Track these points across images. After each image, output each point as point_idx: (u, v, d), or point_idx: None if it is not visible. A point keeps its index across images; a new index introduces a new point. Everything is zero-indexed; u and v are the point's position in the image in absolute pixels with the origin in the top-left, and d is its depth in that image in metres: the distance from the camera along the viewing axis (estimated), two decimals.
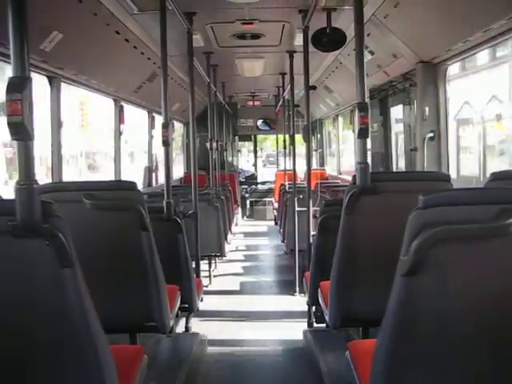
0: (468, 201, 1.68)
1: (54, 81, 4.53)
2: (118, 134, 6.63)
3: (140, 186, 7.89)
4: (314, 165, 12.26)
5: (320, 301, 3.56)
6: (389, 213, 2.68)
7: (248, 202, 13.86)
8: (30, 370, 1.79)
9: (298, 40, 5.73)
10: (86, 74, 4.97)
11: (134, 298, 2.88)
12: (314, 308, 4.38)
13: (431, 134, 4.89)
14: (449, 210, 1.67)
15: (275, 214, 10.87)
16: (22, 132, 1.61)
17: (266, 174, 16.37)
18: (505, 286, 1.71)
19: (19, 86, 1.59)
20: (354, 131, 9.08)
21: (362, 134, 2.85)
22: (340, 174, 10.55)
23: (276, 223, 10.31)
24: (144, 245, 2.77)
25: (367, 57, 5.81)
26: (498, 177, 2.51)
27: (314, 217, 4.73)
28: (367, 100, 5.44)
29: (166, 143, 3.97)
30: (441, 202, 1.68)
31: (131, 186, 2.80)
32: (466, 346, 1.78)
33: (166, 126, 3.97)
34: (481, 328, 1.76)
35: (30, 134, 1.63)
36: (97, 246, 2.75)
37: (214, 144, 8.32)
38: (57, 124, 4.58)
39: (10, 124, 1.59)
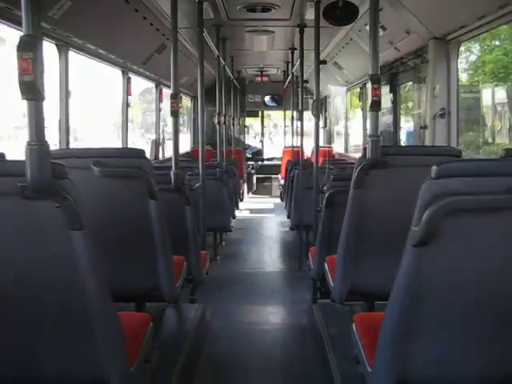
0: (482, 172, 1.66)
1: (62, 49, 4.50)
2: (126, 105, 6.60)
3: None
4: (322, 142, 12.19)
5: (325, 275, 3.56)
6: (399, 187, 2.66)
7: (254, 178, 13.83)
8: (38, 330, 1.80)
9: (309, 14, 5.65)
10: (94, 43, 4.93)
11: (141, 266, 2.89)
12: (318, 283, 4.39)
13: (442, 112, 4.85)
14: (462, 180, 1.65)
15: (281, 190, 10.85)
16: (33, 91, 1.60)
17: (274, 147, 16.22)
18: None
19: (30, 45, 1.57)
20: (362, 109, 9.06)
21: (375, 106, 2.81)
22: (347, 151, 10.50)
23: (282, 199, 10.30)
24: (152, 213, 2.76)
25: (379, 33, 5.73)
26: (510, 153, 2.48)
27: (322, 192, 4.71)
28: None
29: (175, 114, 3.95)
30: (454, 172, 1.66)
31: (140, 153, 2.78)
32: (474, 318, 1.78)
33: (175, 97, 3.94)
34: (490, 300, 1.76)
35: (41, 93, 1.61)
36: (105, 213, 2.75)
37: (222, 119, 8.26)
38: (65, 92, 4.56)
39: (21, 83, 1.58)
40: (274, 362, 3.85)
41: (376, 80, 2.80)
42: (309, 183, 5.54)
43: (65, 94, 4.57)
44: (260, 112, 14.87)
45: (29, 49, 1.57)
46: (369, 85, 2.82)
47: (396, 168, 2.70)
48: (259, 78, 12.50)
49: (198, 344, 3.82)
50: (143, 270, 2.90)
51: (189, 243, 3.75)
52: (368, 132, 2.87)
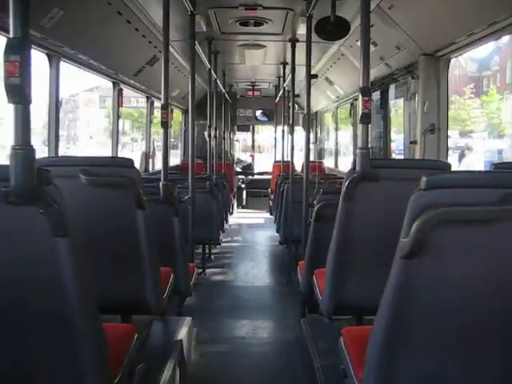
0: (471, 184, 1.66)
1: (53, 58, 4.49)
2: (117, 116, 6.60)
3: None
4: (312, 157, 12.23)
5: (314, 289, 3.54)
6: (388, 200, 2.66)
7: (244, 192, 13.83)
8: (20, 339, 1.76)
9: (301, 29, 5.69)
10: (85, 54, 4.92)
11: (128, 277, 2.85)
12: (307, 297, 4.36)
13: (431, 127, 4.88)
14: (450, 192, 1.64)
15: (271, 204, 10.84)
16: (19, 95, 1.57)
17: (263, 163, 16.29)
18: (505, 273, 1.69)
19: (18, 48, 1.55)
20: (352, 124, 9.08)
21: (365, 118, 2.81)
22: (337, 166, 10.53)
23: (271, 214, 10.29)
24: (140, 224, 2.73)
25: (370, 48, 5.77)
26: (499, 167, 2.49)
27: (311, 206, 4.70)
28: None
29: (166, 125, 3.93)
30: (443, 183, 1.66)
31: (128, 163, 2.76)
32: (464, 333, 1.76)
33: (166, 108, 3.93)
34: (480, 314, 1.74)
35: (27, 97, 1.59)
36: (92, 222, 2.72)
37: (213, 132, 8.27)
38: (55, 102, 4.54)
39: (7, 86, 1.56)
40: (263, 376, 3.82)
41: (366, 92, 2.80)
42: (298, 197, 5.53)
43: (55, 103, 4.55)
44: (251, 126, 14.91)
45: (16, 52, 1.55)
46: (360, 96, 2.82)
47: (385, 181, 2.70)
48: (251, 93, 12.54)
49: (183, 358, 3.78)
50: (129, 280, 2.86)
51: (176, 255, 3.72)
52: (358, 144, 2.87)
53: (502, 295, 1.72)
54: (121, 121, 7.15)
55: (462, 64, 30.15)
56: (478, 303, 1.74)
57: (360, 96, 2.80)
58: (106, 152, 8.19)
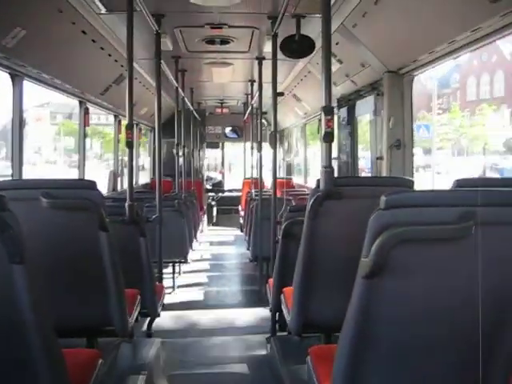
0: (430, 202, 1.67)
1: (16, 78, 4.43)
2: (83, 136, 6.53)
3: (104, 190, 7.79)
4: (282, 174, 12.28)
5: (282, 307, 3.52)
6: (352, 218, 2.66)
7: (215, 209, 13.77)
8: None
9: (267, 47, 5.73)
10: (50, 73, 4.87)
11: (92, 300, 2.80)
12: (277, 316, 4.34)
13: (397, 143, 4.94)
14: (411, 211, 1.65)
15: (241, 221, 10.82)
16: None
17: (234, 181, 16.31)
18: (466, 289, 1.71)
19: None
20: (320, 140, 9.14)
21: (328, 137, 2.83)
22: (306, 183, 10.58)
23: (242, 230, 10.26)
24: (103, 246, 2.69)
25: (335, 65, 5.85)
26: (461, 184, 2.52)
27: (279, 223, 4.70)
28: (335, 109, 5.45)
29: (130, 145, 3.90)
30: (403, 203, 1.67)
31: (90, 184, 2.72)
32: (427, 350, 1.77)
33: (131, 128, 3.90)
34: (442, 331, 1.75)
35: None
36: (55, 246, 2.67)
37: (181, 150, 8.25)
38: (18, 122, 4.47)
39: None
40: None
41: (329, 111, 2.82)
42: (268, 214, 5.53)
43: (18, 125, 4.48)
44: (221, 143, 14.92)
45: None
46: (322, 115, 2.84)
47: (349, 199, 2.71)
48: (219, 110, 12.56)
49: (153, 380, 3.72)
50: (94, 303, 2.80)
51: (143, 276, 3.67)
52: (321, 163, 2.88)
53: (463, 310, 1.74)
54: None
55: (422, 81, 30.70)
56: (439, 319, 1.75)
57: (323, 115, 2.82)
58: (55, 170, 8.10)
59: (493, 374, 1.81)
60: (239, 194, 13.01)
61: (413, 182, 2.79)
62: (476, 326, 1.70)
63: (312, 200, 2.70)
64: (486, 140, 29.02)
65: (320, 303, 2.88)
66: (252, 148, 9.72)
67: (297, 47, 5.08)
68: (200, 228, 10.71)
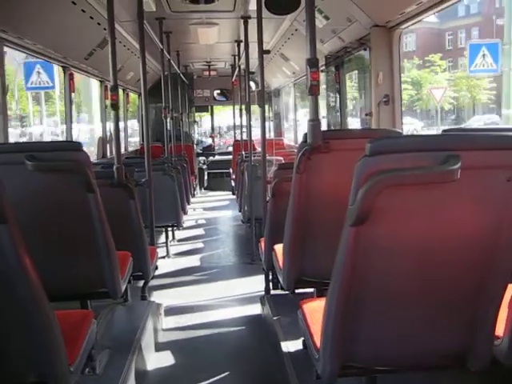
0: (415, 147, 1.66)
1: None
2: (69, 102, 6.45)
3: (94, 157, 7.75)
4: (272, 135, 12.24)
5: (275, 265, 3.54)
6: (341, 170, 2.64)
7: (206, 173, 13.74)
8: None
9: (253, 5, 5.62)
10: (31, 38, 4.76)
11: (83, 262, 2.80)
12: (270, 274, 4.37)
13: (385, 99, 4.91)
14: (396, 157, 1.64)
15: (233, 184, 10.81)
16: None
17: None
18: (453, 233, 1.71)
19: None
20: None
21: (313, 90, 2.79)
22: (297, 143, 10.54)
23: (234, 193, 10.26)
24: (91, 207, 2.67)
25: (322, 22, 5.76)
26: (447, 132, 2.51)
27: (269, 183, 4.69)
28: (322, 67, 5.38)
29: (115, 107, 3.85)
30: (388, 148, 1.65)
31: (76, 146, 2.68)
32: (416, 297, 1.78)
33: (115, 89, 3.84)
34: (431, 277, 1.76)
35: None
36: (42, 209, 2.65)
37: (169, 114, 8.16)
38: (1, 88, 4.39)
39: None
40: (229, 354, 3.83)
41: (313, 64, 2.78)
42: (258, 175, 5.52)
43: (1, 91, 4.40)
44: (210, 107, 14.79)
45: None
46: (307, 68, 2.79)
47: (338, 152, 2.69)
48: (207, 73, 12.39)
49: (149, 342, 3.75)
50: (85, 266, 2.80)
51: (135, 238, 3.66)
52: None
53: (451, 252, 1.74)
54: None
55: None
56: (427, 263, 1.76)
57: (308, 68, 2.77)
58: None
59: (483, 313, 1.83)
60: (230, 157, 12.96)
61: (401, 133, 2.77)
62: (465, 269, 1.71)
63: (299, 154, 2.67)
64: None
65: (311, 257, 2.89)
66: (240, 110, 9.63)
67: (282, 4, 5.00)
68: (192, 192, 10.70)
